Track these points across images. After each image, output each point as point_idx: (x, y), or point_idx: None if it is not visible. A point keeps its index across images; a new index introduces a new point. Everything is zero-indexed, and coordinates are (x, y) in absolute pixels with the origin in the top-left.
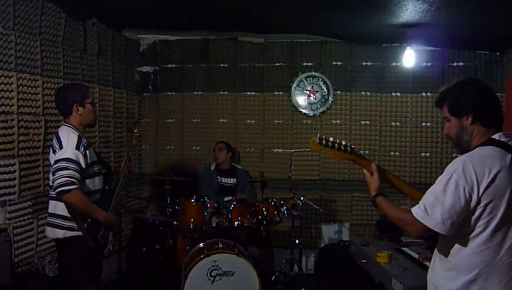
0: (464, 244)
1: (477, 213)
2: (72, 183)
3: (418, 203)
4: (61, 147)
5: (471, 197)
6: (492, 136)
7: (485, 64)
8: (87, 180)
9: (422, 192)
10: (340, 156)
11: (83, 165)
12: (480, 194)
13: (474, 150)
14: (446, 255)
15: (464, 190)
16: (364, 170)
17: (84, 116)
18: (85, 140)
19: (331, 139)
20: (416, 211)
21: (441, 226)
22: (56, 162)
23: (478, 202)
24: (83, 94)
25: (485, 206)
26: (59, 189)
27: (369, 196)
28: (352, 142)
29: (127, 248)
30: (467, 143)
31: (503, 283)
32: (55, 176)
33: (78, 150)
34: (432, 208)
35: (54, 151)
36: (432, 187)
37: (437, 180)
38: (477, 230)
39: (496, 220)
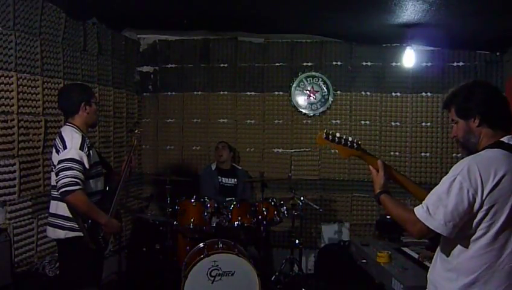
0: (466, 246)
1: (479, 216)
2: (76, 183)
3: (422, 202)
4: (64, 147)
5: (474, 199)
6: (501, 139)
7: (485, 64)
8: (89, 181)
9: (427, 191)
10: (346, 152)
11: (87, 166)
12: (484, 197)
13: (480, 152)
14: (447, 256)
15: (468, 192)
16: (371, 167)
17: (90, 116)
18: (88, 140)
19: (337, 134)
20: (419, 211)
21: (443, 227)
22: (60, 162)
23: (481, 205)
24: (89, 94)
25: (488, 209)
26: (63, 189)
27: (371, 195)
28: None
29: (127, 248)
30: (474, 145)
31: (503, 288)
32: (59, 176)
33: (82, 150)
34: (435, 209)
35: (58, 151)
36: (435, 187)
37: (441, 181)
38: (478, 233)
39: (498, 224)
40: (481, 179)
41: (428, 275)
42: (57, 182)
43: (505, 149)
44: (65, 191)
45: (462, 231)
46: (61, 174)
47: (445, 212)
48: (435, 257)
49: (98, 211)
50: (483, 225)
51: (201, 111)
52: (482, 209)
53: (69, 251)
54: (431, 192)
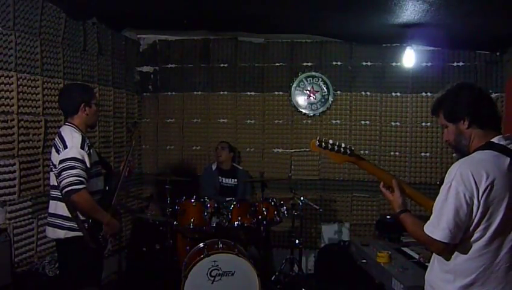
0: (463, 248)
1: (476, 218)
2: (81, 182)
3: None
4: (65, 147)
5: (472, 202)
6: (492, 140)
7: (485, 64)
8: (90, 180)
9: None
10: (339, 158)
11: (88, 165)
12: (479, 199)
13: (471, 155)
14: (445, 258)
15: (465, 196)
16: (383, 189)
17: (90, 117)
18: (88, 140)
19: (330, 141)
20: (427, 227)
21: (449, 236)
22: (62, 161)
23: (478, 207)
24: (90, 95)
25: (484, 211)
26: (68, 188)
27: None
28: (352, 142)
29: (127, 248)
30: (466, 147)
31: (500, 288)
32: (62, 176)
33: (83, 149)
34: (438, 220)
35: (58, 151)
36: (436, 199)
37: (440, 191)
38: (476, 235)
39: (494, 225)
40: (475, 182)
41: (425, 276)
42: (60, 182)
43: (496, 150)
44: (70, 190)
45: None
46: (65, 173)
47: (447, 220)
48: (432, 258)
49: (101, 210)
50: (480, 227)
51: (201, 111)
52: (479, 212)
53: (68, 250)
54: (434, 205)
